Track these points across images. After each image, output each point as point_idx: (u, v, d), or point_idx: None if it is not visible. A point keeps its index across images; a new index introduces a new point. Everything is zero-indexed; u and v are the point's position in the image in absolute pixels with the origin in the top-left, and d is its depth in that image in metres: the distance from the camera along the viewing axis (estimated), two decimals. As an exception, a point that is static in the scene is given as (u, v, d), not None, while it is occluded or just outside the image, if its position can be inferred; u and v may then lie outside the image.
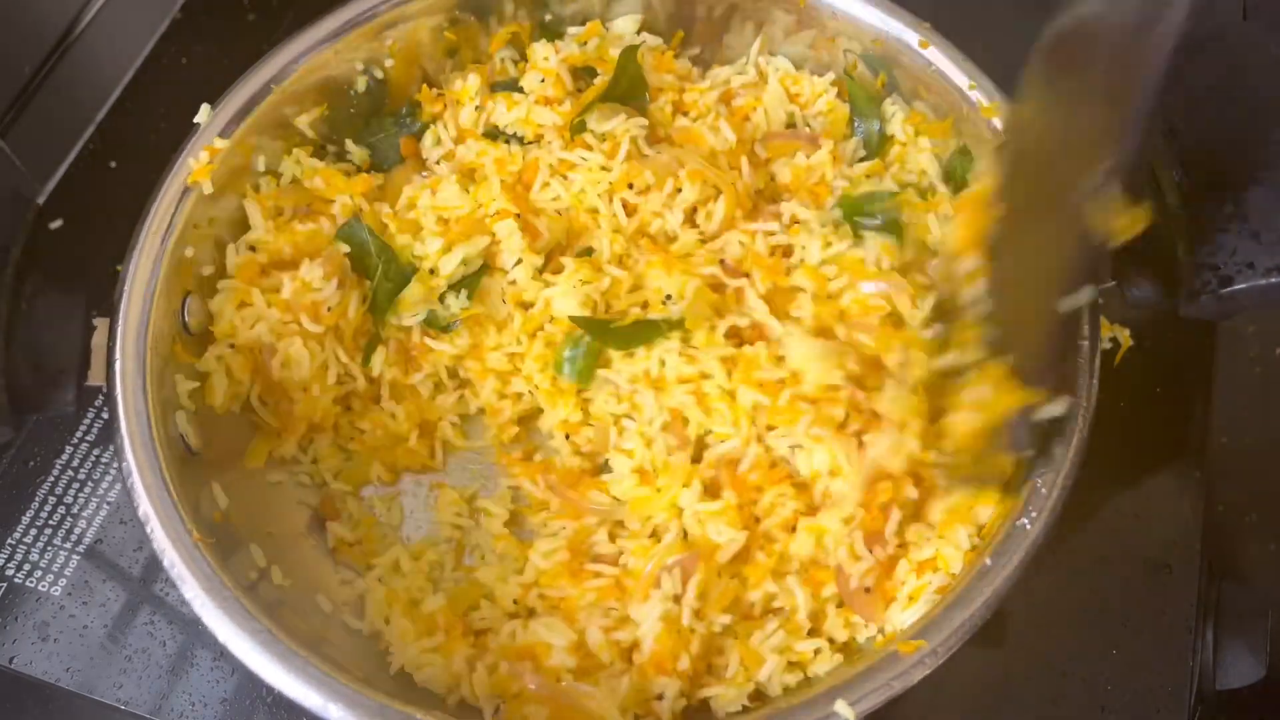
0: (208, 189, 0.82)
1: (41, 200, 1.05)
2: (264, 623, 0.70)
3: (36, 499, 0.91)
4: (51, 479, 0.92)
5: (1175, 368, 0.94)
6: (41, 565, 0.89)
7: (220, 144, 0.83)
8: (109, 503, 0.91)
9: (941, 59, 0.86)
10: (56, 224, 1.01)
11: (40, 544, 0.90)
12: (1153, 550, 0.87)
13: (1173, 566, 0.86)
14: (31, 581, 0.88)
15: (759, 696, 0.76)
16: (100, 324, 0.78)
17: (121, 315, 0.78)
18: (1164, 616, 0.85)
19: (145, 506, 0.73)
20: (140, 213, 0.82)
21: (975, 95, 0.85)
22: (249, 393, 0.85)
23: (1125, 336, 0.86)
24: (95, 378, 0.77)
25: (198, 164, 0.82)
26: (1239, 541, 0.91)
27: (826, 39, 0.93)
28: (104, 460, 0.92)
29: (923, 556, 0.77)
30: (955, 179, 0.90)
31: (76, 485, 0.92)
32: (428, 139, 0.93)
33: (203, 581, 0.71)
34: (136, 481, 0.73)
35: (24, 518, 0.91)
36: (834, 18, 0.91)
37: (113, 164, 1.07)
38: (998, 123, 0.83)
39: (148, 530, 0.72)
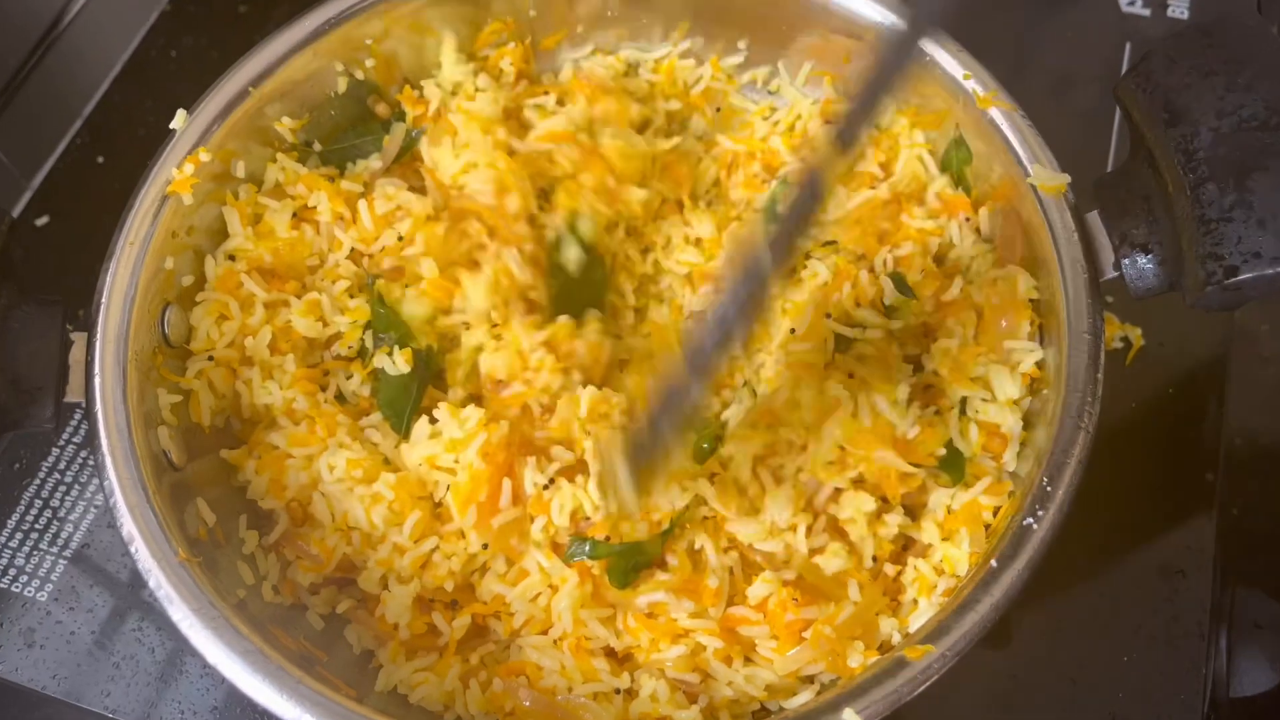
0: (187, 200, 0.82)
1: (28, 196, 1.05)
2: (254, 641, 0.70)
3: (22, 502, 0.92)
4: (38, 482, 0.93)
5: (1188, 368, 0.93)
6: (28, 570, 0.90)
7: (204, 157, 0.83)
8: (96, 506, 0.92)
9: (935, 49, 0.85)
10: (43, 220, 1.03)
11: (26, 548, 0.90)
12: (1165, 555, 0.87)
13: (1186, 571, 0.86)
14: (17, 587, 0.89)
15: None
16: (78, 338, 0.78)
17: (99, 329, 0.78)
18: (1177, 623, 0.84)
19: (129, 526, 0.73)
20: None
21: (971, 85, 0.85)
22: (231, 407, 0.85)
23: (1137, 336, 0.86)
24: (74, 394, 0.77)
25: (180, 173, 0.82)
26: (1254, 546, 0.91)
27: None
28: (91, 463, 0.91)
29: (929, 560, 0.78)
30: (952, 170, 0.90)
31: (63, 489, 0.92)
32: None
33: (190, 602, 0.71)
34: (119, 500, 0.73)
35: (10, 521, 0.91)
36: (826, 10, 0.92)
37: (100, 159, 1.07)
38: (995, 113, 0.84)
39: (132, 550, 0.72)
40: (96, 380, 0.76)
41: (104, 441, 0.75)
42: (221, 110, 0.85)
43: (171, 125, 0.84)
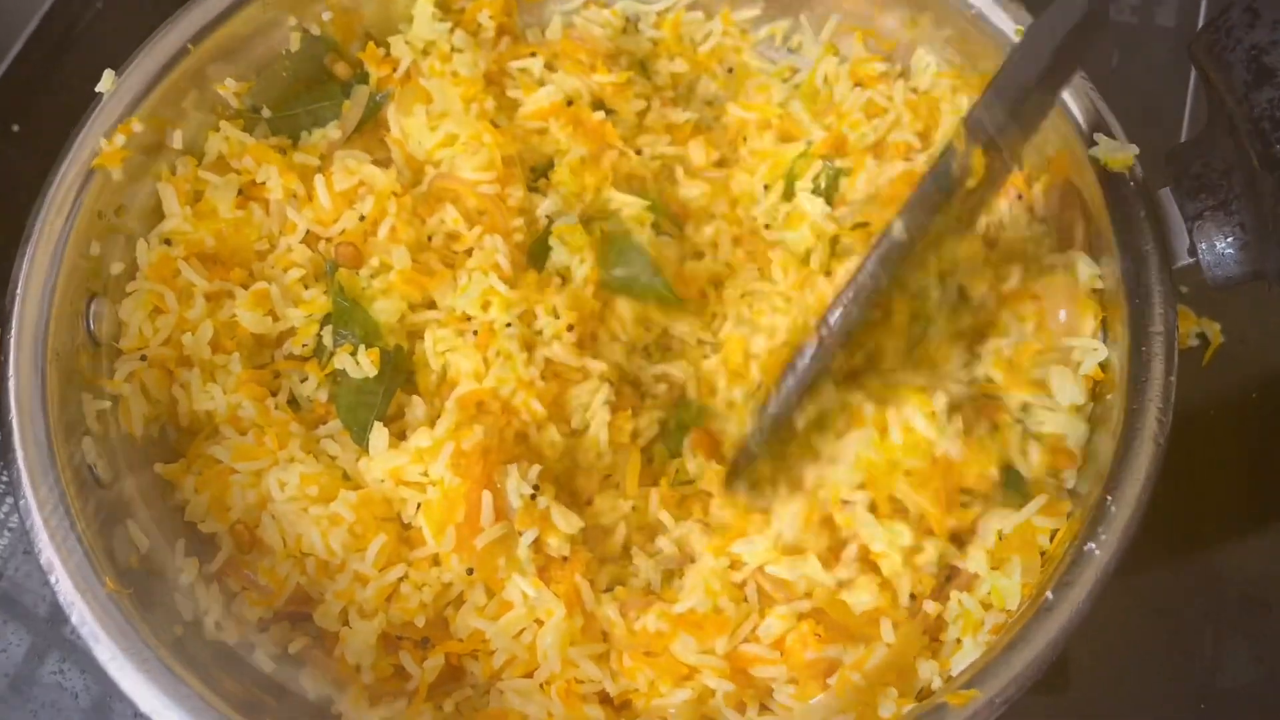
0: (117, 175, 0.79)
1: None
2: (193, 685, 0.67)
3: (-77, 526, 0.89)
4: (-59, 501, 0.89)
5: (1274, 368, 0.92)
6: (-69, 604, 0.86)
7: (136, 126, 0.80)
8: (11, 529, 0.88)
9: (983, 1, 0.85)
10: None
11: (-71, 579, 0.86)
12: (1247, 585, 0.85)
13: (1271, 604, 0.84)
14: (-81, 624, 0.87)
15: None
16: (-11, 336, 0.75)
17: (15, 325, 0.75)
18: (1261, 664, 0.82)
19: (48, 553, 0.70)
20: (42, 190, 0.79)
21: (1024, 41, 0.83)
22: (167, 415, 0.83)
23: (1216, 332, 0.84)
24: (-15, 400, 0.74)
25: (108, 145, 0.79)
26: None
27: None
28: (4, 479, 0.89)
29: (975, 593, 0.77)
30: (1001, 140, 0.86)
31: (-29, 509, 0.89)
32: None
33: (120, 640, 0.68)
34: (37, 523, 0.71)
35: (-92, 548, 0.90)
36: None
37: (15, 128, 1.03)
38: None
39: (52, 580, 0.70)
40: (11, 384, 0.74)
41: (19, 454, 0.73)
42: (156, 71, 0.82)
43: (98, 88, 0.82)
